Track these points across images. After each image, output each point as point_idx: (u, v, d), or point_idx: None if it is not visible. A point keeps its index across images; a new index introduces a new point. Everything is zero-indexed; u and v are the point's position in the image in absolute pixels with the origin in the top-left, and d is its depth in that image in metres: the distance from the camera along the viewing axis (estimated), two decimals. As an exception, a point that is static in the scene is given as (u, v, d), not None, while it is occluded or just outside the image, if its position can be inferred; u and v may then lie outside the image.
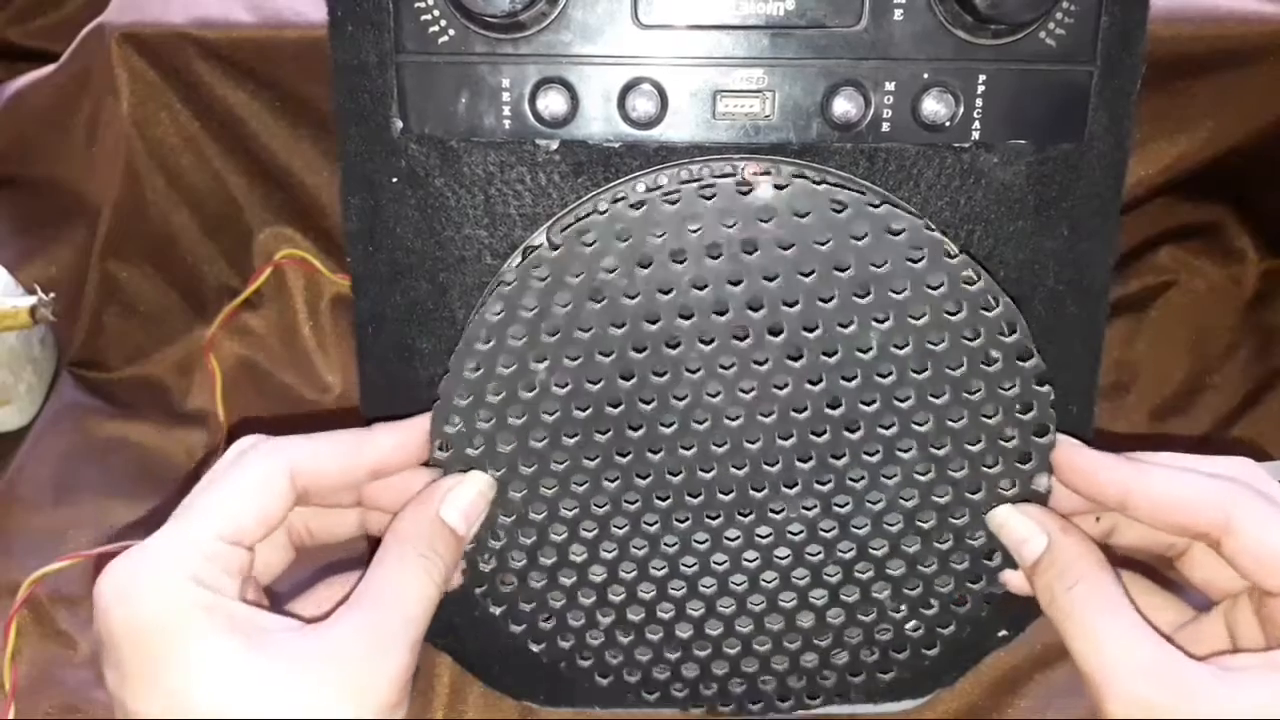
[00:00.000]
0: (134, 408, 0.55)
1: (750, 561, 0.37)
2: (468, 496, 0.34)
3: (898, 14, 0.33)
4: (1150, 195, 0.56)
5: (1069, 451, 0.34)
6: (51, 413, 0.55)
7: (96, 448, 0.53)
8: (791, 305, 0.33)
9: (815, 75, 0.34)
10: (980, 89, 0.34)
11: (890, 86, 0.34)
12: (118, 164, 0.55)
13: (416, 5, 0.33)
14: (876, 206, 0.32)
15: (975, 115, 0.34)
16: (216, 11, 0.52)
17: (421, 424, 0.35)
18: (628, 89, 0.34)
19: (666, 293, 0.33)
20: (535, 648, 0.38)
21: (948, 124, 0.34)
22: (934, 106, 0.34)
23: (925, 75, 0.34)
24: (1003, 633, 0.40)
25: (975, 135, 0.34)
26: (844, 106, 0.34)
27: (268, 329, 0.57)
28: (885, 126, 0.34)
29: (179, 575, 0.29)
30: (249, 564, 0.31)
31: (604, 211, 0.33)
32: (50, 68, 0.57)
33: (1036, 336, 0.36)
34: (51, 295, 0.50)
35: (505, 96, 0.34)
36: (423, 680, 0.45)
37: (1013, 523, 0.35)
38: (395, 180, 0.35)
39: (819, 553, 0.36)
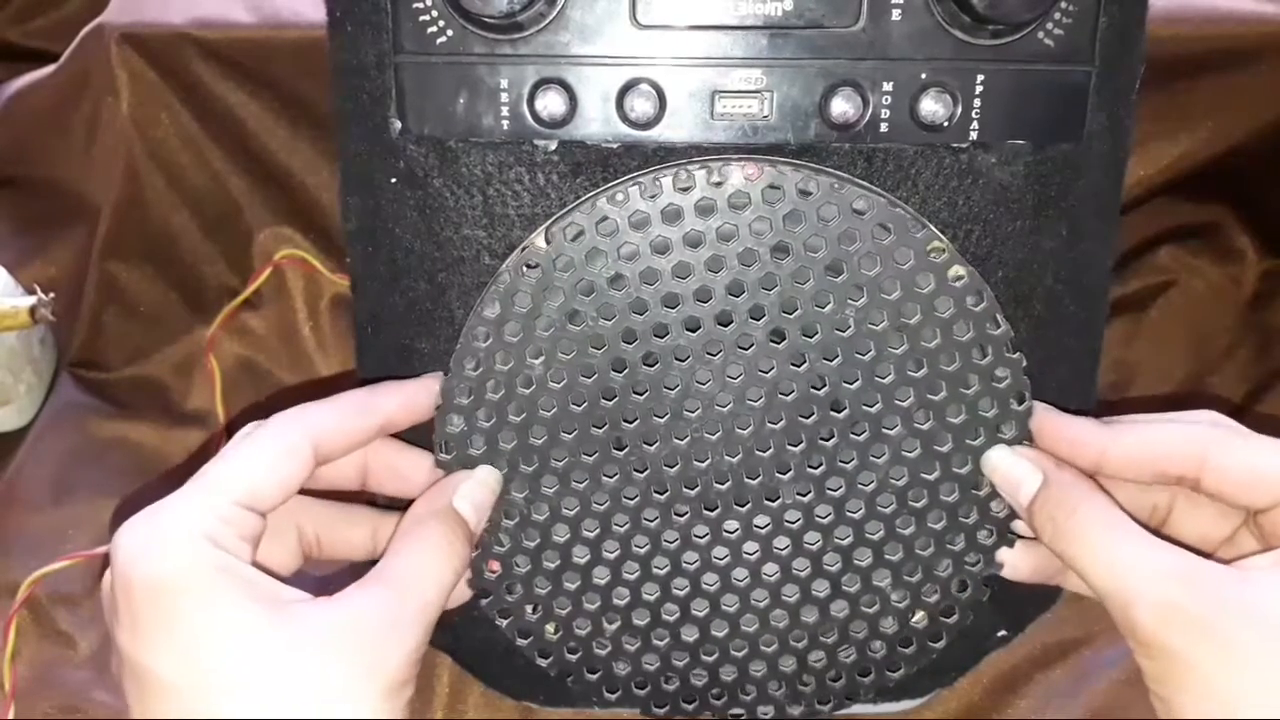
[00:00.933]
0: (134, 408, 0.55)
1: (750, 554, 0.37)
2: (477, 487, 0.35)
3: (895, 14, 0.33)
4: (1150, 195, 0.56)
5: (1046, 417, 0.35)
6: (51, 413, 0.55)
7: (96, 448, 0.53)
8: (770, 289, 0.34)
9: (813, 76, 0.34)
10: (978, 89, 0.34)
11: (888, 87, 0.34)
12: (117, 164, 0.55)
13: (415, 6, 0.33)
14: (840, 187, 0.33)
15: (973, 115, 0.34)
16: (216, 12, 0.52)
17: (426, 382, 0.35)
18: (626, 89, 0.34)
19: (652, 283, 0.34)
20: (542, 661, 0.38)
21: (946, 124, 0.34)
22: (932, 106, 0.34)
23: (923, 75, 0.33)
24: (1003, 633, 0.40)
25: (973, 135, 0.34)
26: (842, 107, 0.34)
27: (268, 329, 0.57)
28: (883, 127, 0.34)
29: (195, 534, 0.29)
30: (261, 532, 0.32)
31: (589, 209, 0.34)
32: (50, 68, 0.57)
33: (1036, 336, 0.36)
34: (51, 295, 0.50)
35: (504, 97, 0.34)
36: (423, 680, 0.44)
37: (1007, 464, 0.35)
38: (394, 181, 0.35)
39: (817, 541, 0.37)
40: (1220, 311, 0.56)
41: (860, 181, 0.34)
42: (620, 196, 0.34)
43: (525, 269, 0.34)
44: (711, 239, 0.34)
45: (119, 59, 0.53)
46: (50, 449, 0.53)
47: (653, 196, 0.34)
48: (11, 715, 0.44)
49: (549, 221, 0.34)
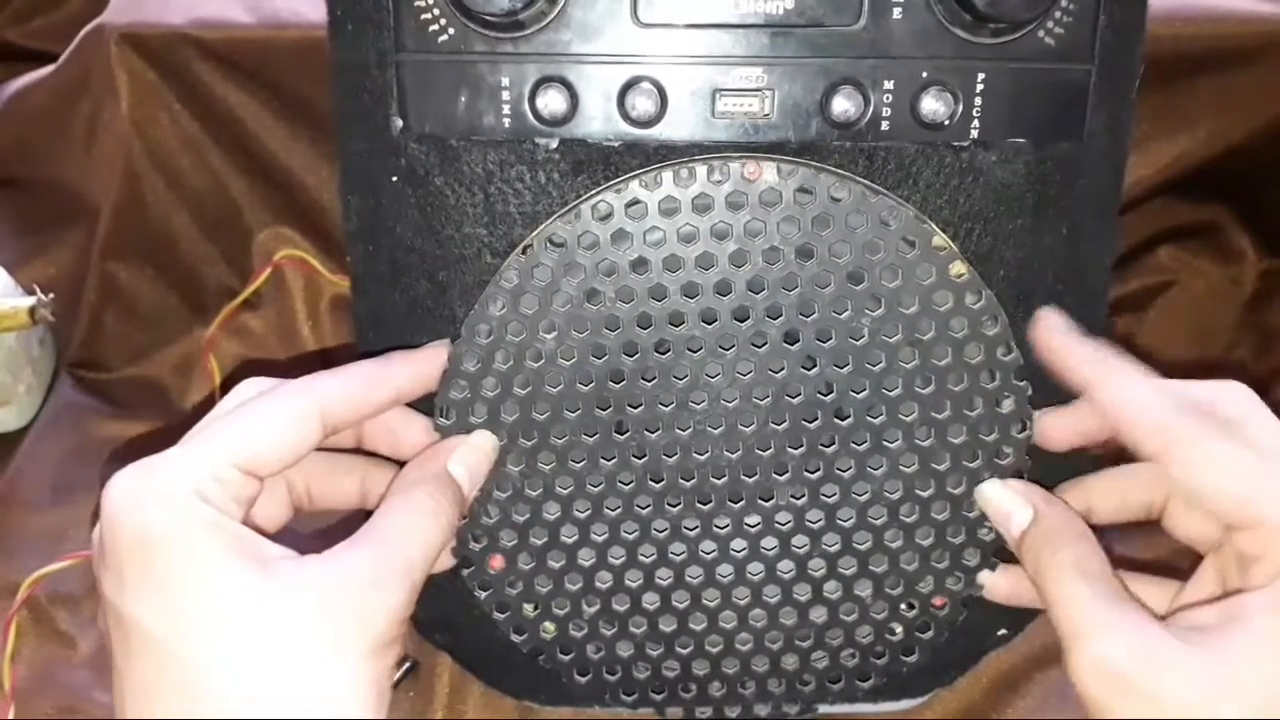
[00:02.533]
0: (133, 408, 0.55)
1: (738, 552, 0.37)
2: (473, 453, 0.35)
3: (896, 13, 0.33)
4: (1150, 195, 0.56)
5: (1052, 330, 0.35)
6: (51, 413, 0.55)
7: (96, 448, 0.53)
8: (791, 290, 0.34)
9: (814, 74, 0.34)
10: (979, 88, 0.34)
11: (889, 85, 0.34)
12: (117, 165, 0.55)
13: (416, 4, 0.33)
14: (873, 197, 0.33)
15: (974, 114, 0.34)
16: (216, 12, 0.52)
17: (434, 352, 0.35)
18: (627, 88, 0.34)
19: (674, 271, 0.34)
20: (517, 638, 0.38)
21: (946, 122, 0.34)
22: (933, 105, 0.34)
23: (924, 74, 0.34)
24: (1002, 632, 0.40)
25: (974, 134, 0.34)
26: (843, 105, 0.34)
27: (267, 329, 0.57)
28: (884, 125, 0.34)
29: (186, 489, 0.29)
30: (255, 496, 0.31)
31: (620, 191, 0.34)
32: (50, 68, 0.57)
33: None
34: (51, 295, 0.50)
35: (505, 95, 0.34)
36: (423, 680, 0.44)
37: (999, 497, 0.36)
38: (395, 179, 0.35)
39: (805, 545, 0.37)
40: (1220, 311, 0.56)
41: (893, 195, 0.34)
42: (656, 182, 0.34)
43: (544, 242, 0.34)
44: (739, 233, 0.34)
45: (119, 59, 0.53)
46: (50, 449, 0.53)
47: (686, 185, 0.34)
48: (11, 715, 0.44)
49: (550, 220, 0.34)
